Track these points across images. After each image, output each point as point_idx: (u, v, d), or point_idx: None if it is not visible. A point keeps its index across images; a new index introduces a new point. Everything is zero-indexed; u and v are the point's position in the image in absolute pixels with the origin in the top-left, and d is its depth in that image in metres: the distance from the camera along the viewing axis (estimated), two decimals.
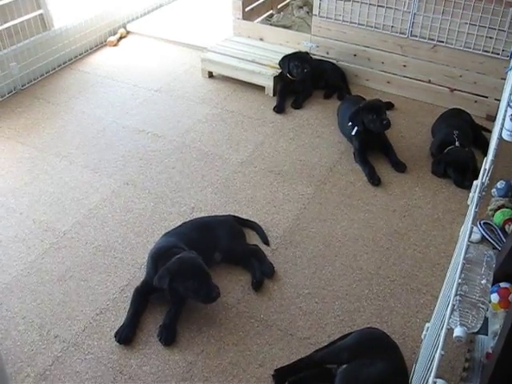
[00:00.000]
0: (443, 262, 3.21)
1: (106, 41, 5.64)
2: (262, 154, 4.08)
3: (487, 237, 3.27)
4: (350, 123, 3.98)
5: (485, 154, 3.79)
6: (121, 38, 5.76)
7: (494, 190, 3.57)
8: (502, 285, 2.69)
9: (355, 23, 4.71)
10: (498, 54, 4.25)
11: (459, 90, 4.51)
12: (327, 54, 4.95)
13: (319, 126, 4.39)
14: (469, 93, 4.47)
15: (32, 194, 3.71)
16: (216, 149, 4.13)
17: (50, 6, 4.99)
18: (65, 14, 5.20)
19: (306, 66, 4.55)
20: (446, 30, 4.35)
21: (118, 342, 2.77)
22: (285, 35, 5.13)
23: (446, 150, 3.87)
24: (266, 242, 3.33)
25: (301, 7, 5.72)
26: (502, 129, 2.36)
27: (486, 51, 4.27)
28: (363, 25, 4.68)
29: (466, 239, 1.95)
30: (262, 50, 5.02)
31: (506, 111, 2.35)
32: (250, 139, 4.24)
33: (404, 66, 4.67)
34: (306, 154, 4.08)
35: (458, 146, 3.84)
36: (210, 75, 5.06)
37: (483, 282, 1.89)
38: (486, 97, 4.41)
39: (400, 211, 3.59)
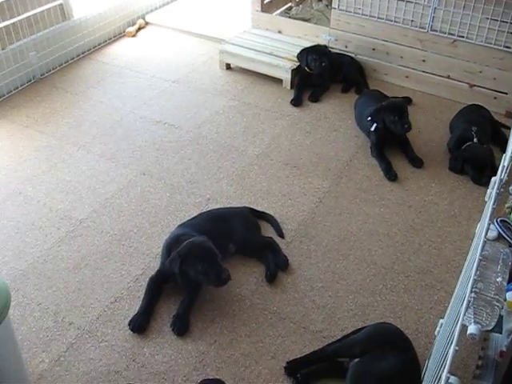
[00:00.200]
0: (458, 259, 3.19)
1: (124, 31, 5.65)
2: (279, 146, 4.08)
3: (504, 234, 3.21)
4: (370, 118, 3.95)
5: (503, 151, 3.76)
6: (139, 28, 5.77)
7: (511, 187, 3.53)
8: None
9: (375, 17, 4.67)
10: None
11: (478, 86, 4.46)
12: (346, 47, 4.93)
13: (336, 119, 4.37)
14: (488, 89, 4.43)
15: (49, 183, 3.75)
16: (232, 141, 4.14)
17: None
18: (84, 4, 5.22)
19: (324, 60, 4.53)
20: (466, 25, 4.30)
21: (131, 330, 2.80)
22: (303, 28, 5.11)
23: (463, 147, 3.84)
24: (281, 235, 3.34)
25: (320, 0, 5.69)
26: None
27: (507, 47, 4.22)
28: (383, 18, 4.64)
29: (482, 236, 1.93)
30: (281, 43, 5.01)
31: None
32: (266, 132, 4.23)
33: (423, 60, 4.63)
34: (323, 147, 4.07)
35: (476, 142, 3.81)
36: (228, 67, 5.06)
37: (499, 279, 1.87)
38: (506, 93, 4.37)
39: (416, 207, 3.57)
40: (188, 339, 2.77)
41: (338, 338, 2.72)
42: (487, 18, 4.20)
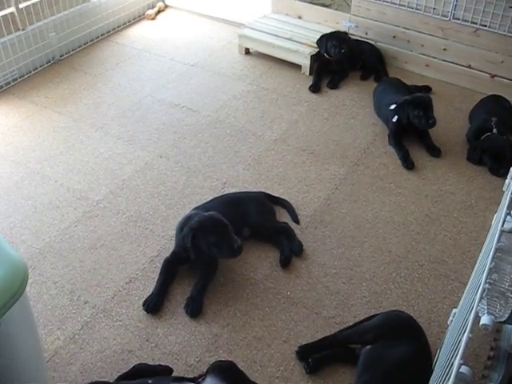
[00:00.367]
0: (473, 250, 3.18)
1: (144, 14, 5.65)
2: (296, 132, 4.07)
3: None
4: (394, 113, 3.91)
5: None
6: (159, 11, 5.77)
7: None
8: None
9: (396, 4, 4.63)
10: None
11: (500, 76, 4.42)
12: (366, 34, 4.89)
13: (354, 107, 4.35)
14: (510, 79, 4.38)
15: (67, 163, 3.77)
16: (250, 125, 4.13)
17: None
18: None
19: (343, 46, 4.50)
20: (489, 14, 4.24)
21: (145, 310, 2.82)
22: (324, 14, 5.07)
23: (482, 137, 3.81)
24: (296, 221, 3.34)
25: None
26: None
27: None
28: (404, 6, 4.60)
29: (499, 227, 1.92)
30: (300, 28, 4.98)
31: None
32: (284, 117, 4.23)
33: (444, 49, 4.58)
34: (340, 134, 4.06)
35: (495, 133, 3.78)
36: (247, 52, 5.04)
37: None
38: None
39: (432, 196, 3.56)
40: (201, 321, 2.79)
41: (351, 324, 2.73)
42: (511, 7, 4.14)
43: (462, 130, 4.09)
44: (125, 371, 2.49)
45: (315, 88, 4.53)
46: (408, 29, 4.68)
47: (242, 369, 2.47)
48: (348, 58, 4.59)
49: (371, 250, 3.19)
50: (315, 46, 4.66)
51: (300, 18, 5.17)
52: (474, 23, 4.35)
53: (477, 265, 2.37)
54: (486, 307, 2.34)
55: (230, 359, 2.55)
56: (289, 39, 4.82)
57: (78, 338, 2.72)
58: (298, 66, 4.75)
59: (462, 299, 2.37)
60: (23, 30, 4.55)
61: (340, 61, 4.59)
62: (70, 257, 3.13)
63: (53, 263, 3.09)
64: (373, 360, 2.47)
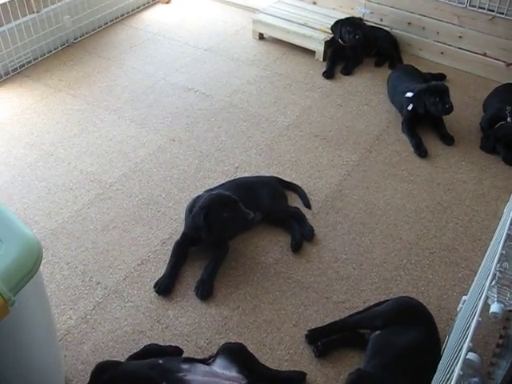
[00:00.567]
0: (485, 238, 3.17)
1: None
2: (309, 118, 4.07)
3: None
4: (409, 95, 3.87)
5: None
6: None
7: None
8: None
9: None
10: None
11: None
12: (381, 20, 4.86)
13: (368, 93, 4.34)
14: None
15: (80, 146, 3.80)
16: (263, 111, 4.13)
17: None
18: None
19: (358, 32, 4.47)
20: (506, 1, 4.19)
21: (156, 292, 2.85)
22: (339, 0, 5.04)
23: (496, 126, 3.78)
24: (308, 206, 3.35)
25: None
26: None
27: None
28: None
29: (510, 215, 1.92)
30: (315, 14, 4.95)
31: None
32: (297, 103, 4.22)
33: (459, 37, 4.54)
34: (353, 120, 4.05)
35: (509, 122, 3.75)
36: (261, 37, 5.03)
37: None
38: None
39: (444, 184, 3.55)
40: (211, 303, 2.81)
41: (360, 309, 2.74)
42: None
43: (476, 118, 4.07)
44: (136, 351, 2.53)
45: (329, 74, 4.52)
46: (423, 15, 4.65)
47: (251, 351, 2.50)
48: (362, 44, 4.57)
49: (382, 237, 3.19)
50: (329, 31, 4.64)
51: (315, 3, 5.14)
52: (491, 11, 4.31)
53: (488, 252, 2.37)
54: (495, 295, 2.34)
55: (239, 341, 2.58)
56: (303, 25, 4.80)
57: (90, 318, 2.75)
58: (311, 52, 4.74)
59: (472, 286, 2.37)
60: (38, 12, 4.56)
61: (354, 47, 4.57)
62: (83, 238, 3.16)
63: (66, 244, 3.12)
64: (382, 345, 2.48)
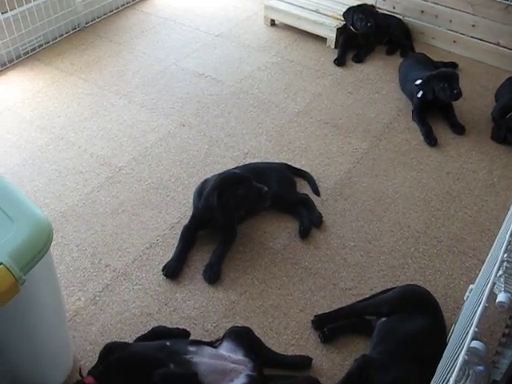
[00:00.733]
0: (493, 228, 3.17)
1: None
2: (319, 105, 4.06)
3: None
4: (418, 82, 3.86)
5: None
6: None
7: None
8: None
9: None
10: None
11: None
12: (393, 8, 4.83)
13: (379, 81, 4.32)
14: None
15: (91, 129, 3.81)
16: (273, 97, 4.13)
17: None
18: None
19: (370, 20, 4.45)
20: None
21: (165, 275, 2.87)
22: None
23: (508, 116, 3.76)
24: (317, 193, 3.35)
25: None
26: None
27: None
28: None
29: None
30: (327, 1, 4.92)
31: None
32: (307, 90, 4.21)
33: (473, 25, 4.51)
34: (364, 108, 4.04)
35: None
36: (272, 23, 5.01)
37: None
38: None
39: (454, 173, 3.54)
40: (219, 287, 2.83)
41: (367, 296, 2.75)
42: None
43: (488, 108, 4.04)
44: (143, 333, 2.55)
45: (340, 61, 4.50)
46: (436, 4, 4.61)
47: (258, 335, 2.52)
48: (374, 31, 4.54)
49: (390, 225, 3.19)
50: (341, 18, 4.61)
51: None
52: None
53: (496, 241, 2.37)
54: (503, 285, 2.35)
55: (246, 325, 2.60)
56: (315, 11, 4.77)
57: (99, 299, 2.78)
58: (323, 39, 4.72)
59: (480, 275, 2.37)
60: None
61: (366, 34, 4.54)
62: (92, 221, 3.18)
63: (75, 227, 3.15)
64: (388, 332, 2.49)
